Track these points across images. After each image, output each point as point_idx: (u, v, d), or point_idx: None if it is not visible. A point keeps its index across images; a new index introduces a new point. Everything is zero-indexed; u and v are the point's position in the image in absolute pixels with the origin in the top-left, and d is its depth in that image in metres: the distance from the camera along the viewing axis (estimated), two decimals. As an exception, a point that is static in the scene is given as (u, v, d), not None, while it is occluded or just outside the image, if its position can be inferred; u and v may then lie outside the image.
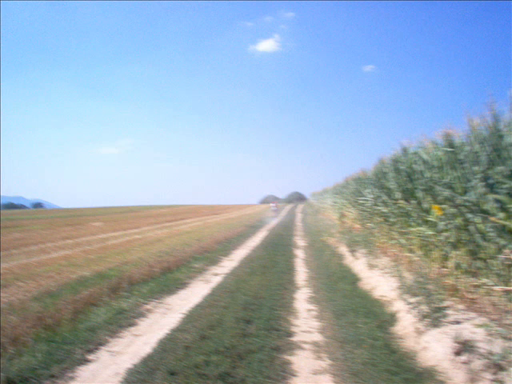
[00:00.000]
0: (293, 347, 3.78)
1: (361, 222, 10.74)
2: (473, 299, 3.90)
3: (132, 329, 4.44)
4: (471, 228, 4.08)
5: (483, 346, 2.96)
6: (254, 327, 4.26)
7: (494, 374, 2.73)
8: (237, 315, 4.67)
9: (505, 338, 2.94)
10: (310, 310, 5.04)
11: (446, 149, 4.80)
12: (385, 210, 7.52)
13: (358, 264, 7.51)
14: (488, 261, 3.82)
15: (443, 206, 4.65)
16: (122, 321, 4.65)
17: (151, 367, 3.32)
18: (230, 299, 5.44)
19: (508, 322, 3.17)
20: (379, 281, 5.85)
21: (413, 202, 5.83)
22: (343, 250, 9.49)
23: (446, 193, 4.52)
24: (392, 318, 4.42)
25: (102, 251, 10.14)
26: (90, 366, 3.47)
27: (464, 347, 3.09)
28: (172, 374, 3.18)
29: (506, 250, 3.51)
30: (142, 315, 4.90)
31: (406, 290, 4.73)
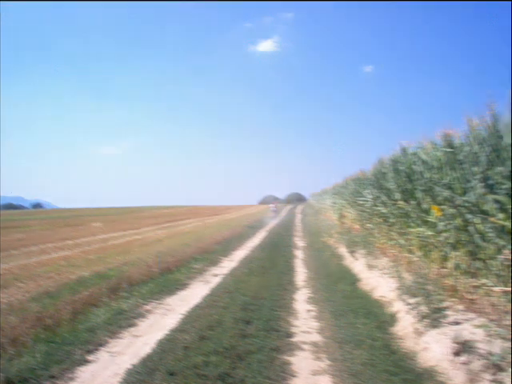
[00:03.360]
0: (292, 348, 3.78)
1: (360, 223, 10.74)
2: (472, 300, 3.90)
3: (132, 329, 4.44)
4: (471, 229, 4.08)
5: (483, 347, 2.97)
6: (253, 328, 4.26)
7: (494, 374, 2.73)
8: (236, 316, 4.67)
9: (504, 338, 2.95)
10: (309, 311, 5.04)
11: (445, 149, 4.80)
12: (384, 210, 7.52)
13: (357, 264, 7.51)
14: (487, 261, 3.82)
15: (443, 206, 4.65)
16: (122, 321, 4.64)
17: (151, 368, 3.32)
18: (229, 300, 5.44)
19: (507, 322, 3.18)
20: (379, 281, 5.85)
21: (412, 202, 5.83)
22: (343, 250, 9.50)
23: (446, 193, 4.53)
24: (391, 319, 4.42)
25: (102, 252, 10.13)
26: (90, 367, 3.46)
27: (463, 348, 3.09)
28: (171, 374, 3.18)
29: (506, 251, 3.51)
30: (141, 316, 4.90)
31: (406, 290, 4.73)
